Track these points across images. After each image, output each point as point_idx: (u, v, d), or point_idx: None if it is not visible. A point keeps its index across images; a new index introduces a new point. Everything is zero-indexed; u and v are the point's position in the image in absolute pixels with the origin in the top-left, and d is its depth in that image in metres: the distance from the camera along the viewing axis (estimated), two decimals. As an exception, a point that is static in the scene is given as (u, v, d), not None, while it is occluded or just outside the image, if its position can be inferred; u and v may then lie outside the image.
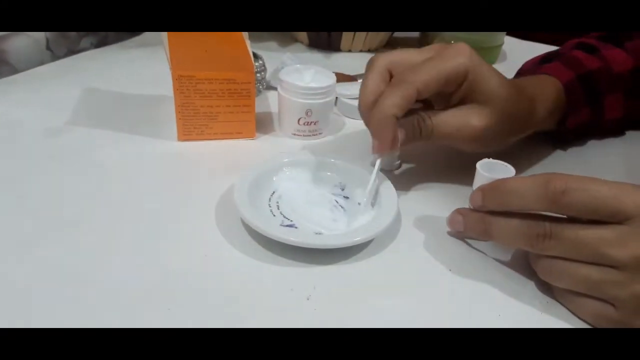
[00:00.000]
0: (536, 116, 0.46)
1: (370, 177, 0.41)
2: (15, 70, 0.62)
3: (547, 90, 0.48)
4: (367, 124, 0.41)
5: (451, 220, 0.39)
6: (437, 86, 0.39)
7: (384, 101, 0.38)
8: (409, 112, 0.40)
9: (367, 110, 0.40)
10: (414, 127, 0.41)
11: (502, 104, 0.41)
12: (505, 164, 0.39)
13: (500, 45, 0.78)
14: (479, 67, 0.40)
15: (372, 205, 0.41)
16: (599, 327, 0.33)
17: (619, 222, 0.30)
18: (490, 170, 0.38)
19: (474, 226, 0.37)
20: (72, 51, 0.69)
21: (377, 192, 0.41)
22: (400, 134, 0.40)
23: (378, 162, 0.41)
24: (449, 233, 0.40)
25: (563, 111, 0.50)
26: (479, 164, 0.39)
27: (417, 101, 0.40)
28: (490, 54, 0.77)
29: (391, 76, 0.41)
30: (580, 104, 0.50)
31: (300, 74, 0.51)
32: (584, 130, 0.53)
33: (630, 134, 0.58)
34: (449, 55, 0.40)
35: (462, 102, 0.41)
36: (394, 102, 0.38)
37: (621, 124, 0.56)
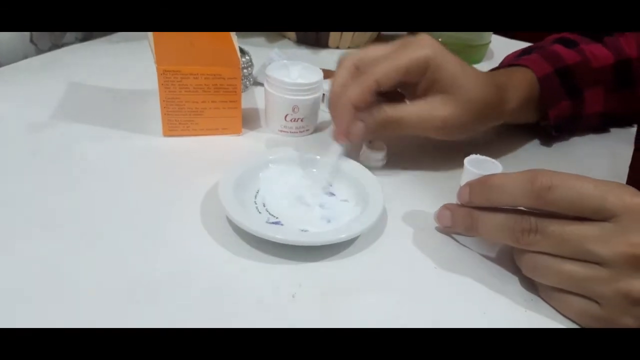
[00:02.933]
0: (507, 105, 0.46)
1: (354, 174, 0.42)
2: (-3, 64, 0.61)
3: (519, 79, 0.48)
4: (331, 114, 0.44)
5: (439, 216, 0.39)
6: (397, 77, 0.41)
7: (345, 92, 0.41)
8: (373, 106, 0.42)
9: (334, 102, 0.43)
10: (374, 120, 0.42)
11: (466, 92, 0.42)
12: (493, 160, 0.39)
13: (488, 43, 0.78)
14: (441, 57, 0.41)
15: (357, 201, 0.41)
16: (583, 324, 0.33)
17: (603, 220, 0.30)
18: (478, 166, 0.38)
19: (461, 221, 0.37)
20: (56, 45, 0.68)
21: (363, 189, 0.41)
22: (360, 126, 0.42)
23: (340, 150, 0.43)
24: (437, 229, 0.40)
25: (537, 103, 0.50)
26: (466, 160, 0.39)
27: (384, 94, 0.42)
28: (477, 52, 0.77)
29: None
30: (559, 96, 0.51)
31: (287, 70, 0.51)
32: (567, 125, 0.53)
33: (614, 132, 0.59)
34: (410, 47, 0.41)
35: (427, 92, 0.43)
36: (353, 92, 0.41)
37: (604, 119, 0.56)
